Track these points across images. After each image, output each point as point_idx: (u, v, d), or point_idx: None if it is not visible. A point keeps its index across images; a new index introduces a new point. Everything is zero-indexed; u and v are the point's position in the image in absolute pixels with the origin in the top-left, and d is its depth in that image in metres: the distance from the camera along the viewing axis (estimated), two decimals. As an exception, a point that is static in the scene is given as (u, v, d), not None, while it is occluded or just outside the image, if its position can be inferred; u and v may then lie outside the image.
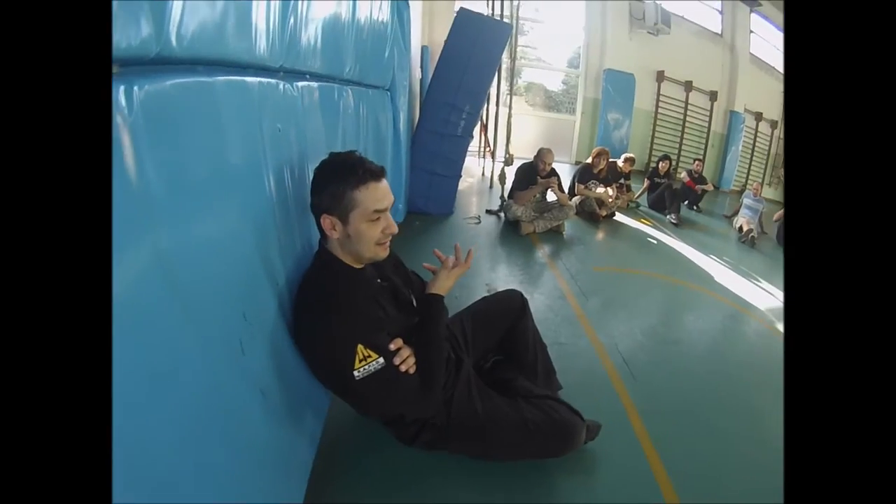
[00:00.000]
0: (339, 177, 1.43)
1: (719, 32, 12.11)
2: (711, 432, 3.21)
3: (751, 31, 12.52)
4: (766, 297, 6.27)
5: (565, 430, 2.12)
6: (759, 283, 6.67)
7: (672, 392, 3.40)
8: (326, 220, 1.46)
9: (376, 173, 1.47)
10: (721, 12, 12.07)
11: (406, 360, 1.56)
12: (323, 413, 1.94)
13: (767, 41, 13.15)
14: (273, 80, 1.45)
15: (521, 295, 2.48)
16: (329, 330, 1.41)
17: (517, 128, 7.60)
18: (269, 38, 1.36)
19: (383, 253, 1.56)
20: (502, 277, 4.07)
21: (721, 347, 4.60)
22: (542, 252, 4.85)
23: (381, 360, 1.46)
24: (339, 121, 2.41)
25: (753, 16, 12.39)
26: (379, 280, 1.67)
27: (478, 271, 4.00)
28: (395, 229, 1.55)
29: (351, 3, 2.31)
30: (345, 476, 1.96)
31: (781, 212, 8.96)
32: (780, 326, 5.56)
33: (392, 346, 1.53)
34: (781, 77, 14.39)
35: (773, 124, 14.12)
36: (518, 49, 9.25)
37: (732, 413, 3.54)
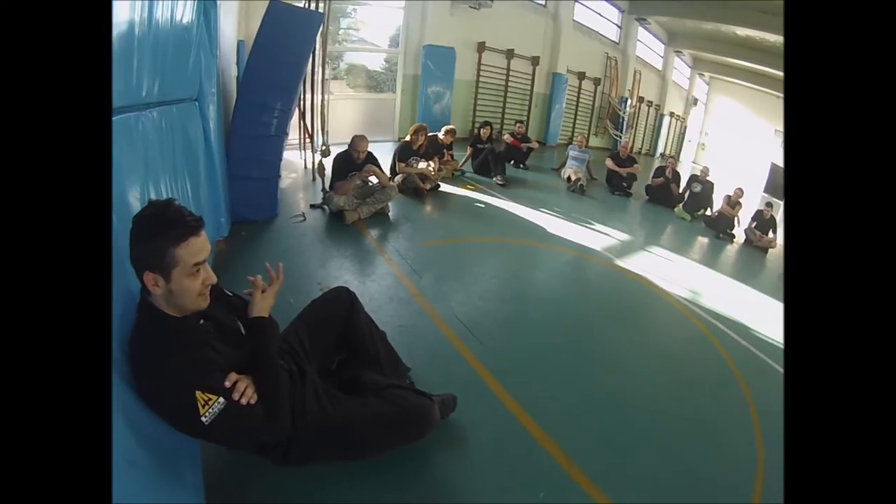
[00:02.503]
0: (159, 232, 1.44)
1: (543, 3, 13.01)
2: (570, 374, 3.59)
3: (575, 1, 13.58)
4: (601, 238, 6.94)
5: (416, 414, 2.21)
6: (592, 227, 7.33)
7: (522, 347, 3.70)
8: (149, 277, 1.46)
9: (196, 227, 1.51)
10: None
11: (245, 392, 1.60)
12: (197, 458, 1.92)
13: (591, 9, 14.62)
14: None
15: (347, 291, 2.54)
16: (165, 386, 1.44)
17: (339, 113, 7.75)
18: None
19: (204, 303, 1.60)
20: (334, 273, 4.14)
21: (565, 293, 5.05)
22: (370, 238, 4.98)
23: (222, 399, 1.51)
24: (142, 152, 2.30)
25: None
26: (202, 321, 1.67)
27: (309, 271, 4.06)
28: (214, 279, 1.60)
29: (146, 13, 2.16)
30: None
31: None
32: (620, 262, 6.24)
33: (227, 384, 1.57)
34: (605, 39, 15.64)
35: (597, 81, 15.68)
36: (340, 32, 9.36)
37: (587, 351, 3.98)
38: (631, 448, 3.03)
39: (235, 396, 1.56)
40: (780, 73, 20.66)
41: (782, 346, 5.38)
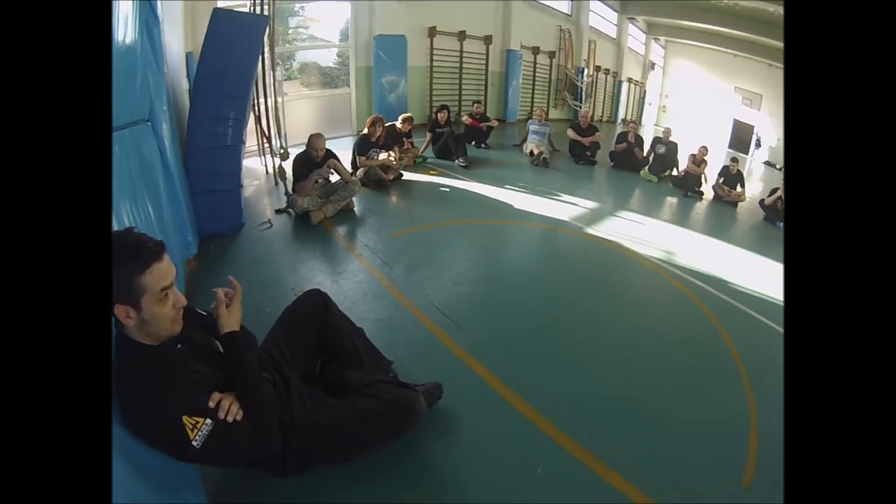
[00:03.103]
0: (122, 262, 1.40)
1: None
2: (552, 348, 3.70)
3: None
4: (570, 209, 7.05)
5: (402, 407, 2.22)
6: (559, 199, 7.46)
7: (501, 326, 3.79)
8: (120, 310, 1.45)
9: (157, 252, 1.50)
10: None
11: (229, 410, 1.61)
12: (197, 480, 1.95)
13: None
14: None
15: (319, 293, 2.56)
16: (151, 416, 1.45)
17: (295, 113, 7.76)
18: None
19: (178, 327, 1.60)
20: (305, 276, 4.16)
21: (539, 267, 5.18)
22: (339, 236, 5.02)
23: (209, 420, 1.53)
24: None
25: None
26: (179, 345, 1.67)
27: (281, 278, 4.07)
28: (184, 301, 1.60)
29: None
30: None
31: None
32: (591, 230, 6.35)
33: (211, 404, 1.58)
34: (557, 12, 15.80)
35: (552, 54, 15.85)
36: (290, 32, 9.29)
37: (567, 322, 4.09)
38: (624, 414, 3.13)
39: (221, 415, 1.58)
40: (735, 32, 21.07)
41: (761, 296, 5.65)
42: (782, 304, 5.22)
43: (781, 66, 23.78)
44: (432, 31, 10.94)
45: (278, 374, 2.11)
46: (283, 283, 3.95)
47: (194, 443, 1.48)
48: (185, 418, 1.48)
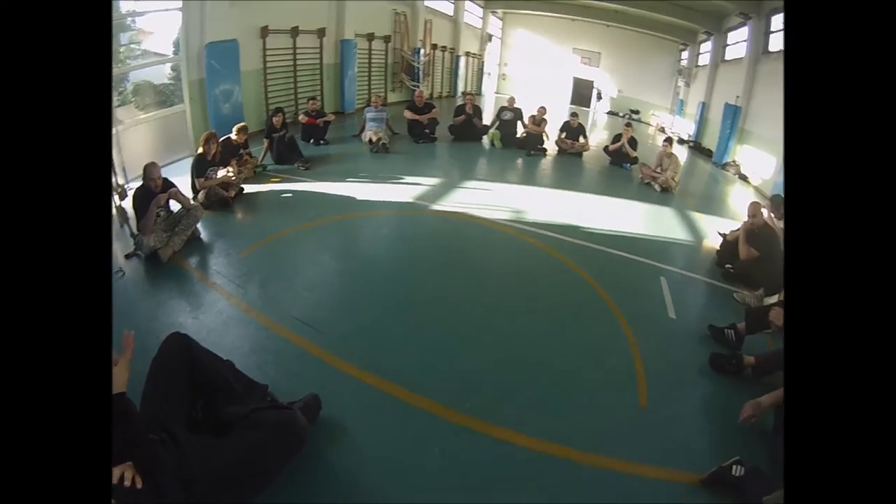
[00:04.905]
0: None
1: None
2: (418, 328, 4.11)
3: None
4: (414, 189, 7.61)
5: (284, 428, 2.31)
6: (403, 181, 8.02)
7: (362, 320, 4.13)
8: None
9: None
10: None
11: (130, 479, 1.65)
12: None
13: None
14: None
15: (179, 336, 2.56)
16: None
17: (133, 142, 7.33)
18: None
19: None
20: (165, 319, 4.01)
21: (390, 254, 5.66)
22: (190, 269, 4.94)
23: (113, 501, 1.56)
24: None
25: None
26: None
27: (144, 328, 3.69)
28: None
29: None
30: None
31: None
32: (437, 206, 6.91)
33: (114, 480, 1.62)
34: None
35: (387, 39, 16.36)
36: (122, 50, 8.28)
37: (428, 301, 4.57)
38: (503, 375, 3.63)
39: (126, 484, 1.63)
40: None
41: (611, 233, 6.69)
42: (631, 235, 6.79)
43: (618, 25, 26.41)
44: (265, 31, 10.72)
45: (164, 432, 2.11)
46: (147, 334, 3.59)
47: None
48: None
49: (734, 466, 2.97)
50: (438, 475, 2.79)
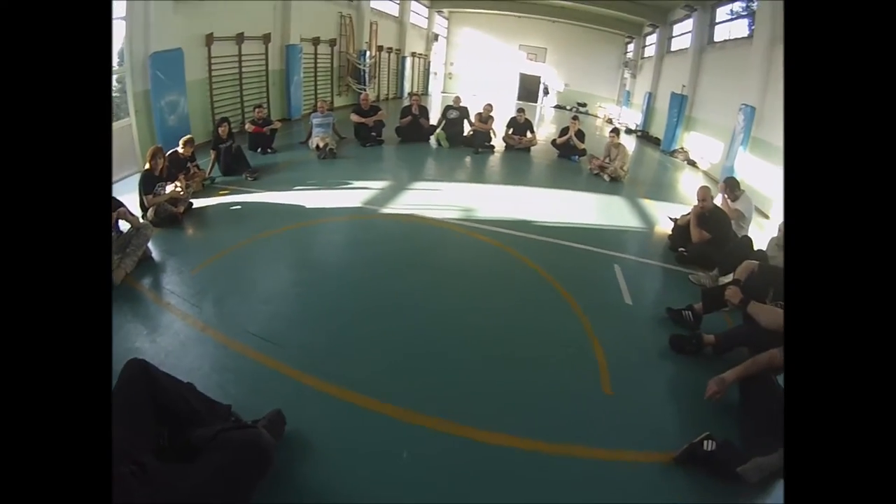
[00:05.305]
0: None
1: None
2: (377, 334, 4.11)
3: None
4: (362, 194, 7.61)
5: (249, 448, 2.25)
6: (351, 186, 8.06)
7: (319, 330, 4.14)
8: None
9: None
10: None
11: None
12: None
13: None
14: None
15: (137, 362, 2.51)
16: None
17: None
18: None
19: None
20: (123, 345, 3.83)
21: (342, 260, 5.70)
22: (144, 290, 4.80)
23: None
24: None
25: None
26: None
27: None
28: None
29: None
30: None
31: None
32: (387, 210, 6.90)
33: None
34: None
35: (332, 42, 16.25)
36: None
37: (381, 304, 4.58)
38: (466, 373, 3.70)
39: None
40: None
41: (562, 225, 6.80)
42: (583, 226, 7.06)
43: (564, 21, 27.02)
44: (209, 39, 10.51)
45: (133, 463, 2.07)
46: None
47: None
48: None
49: (705, 441, 3.11)
50: (412, 481, 2.82)
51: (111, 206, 2.38)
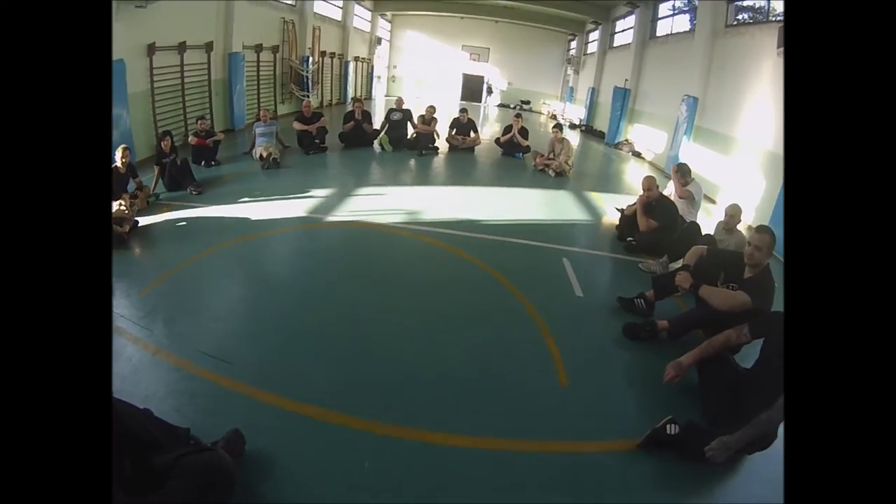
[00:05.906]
0: None
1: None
2: (330, 345, 4.11)
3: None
4: (307, 202, 7.62)
5: (209, 471, 2.27)
6: (296, 196, 7.99)
7: (270, 344, 4.13)
8: None
9: None
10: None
11: None
12: None
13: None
14: None
15: None
16: None
17: None
18: None
19: None
20: None
21: (290, 272, 5.68)
22: None
23: None
24: None
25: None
26: None
27: None
28: None
29: None
30: None
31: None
32: (332, 217, 6.88)
33: None
34: (280, 4, 16.07)
35: (275, 49, 16.01)
36: None
37: (331, 313, 4.59)
38: (423, 379, 3.72)
39: None
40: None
41: (505, 222, 6.90)
42: (531, 222, 7.17)
43: (507, 20, 27.70)
44: (151, 49, 10.10)
45: None
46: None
47: None
48: None
49: (668, 425, 3.21)
50: (377, 489, 2.83)
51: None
